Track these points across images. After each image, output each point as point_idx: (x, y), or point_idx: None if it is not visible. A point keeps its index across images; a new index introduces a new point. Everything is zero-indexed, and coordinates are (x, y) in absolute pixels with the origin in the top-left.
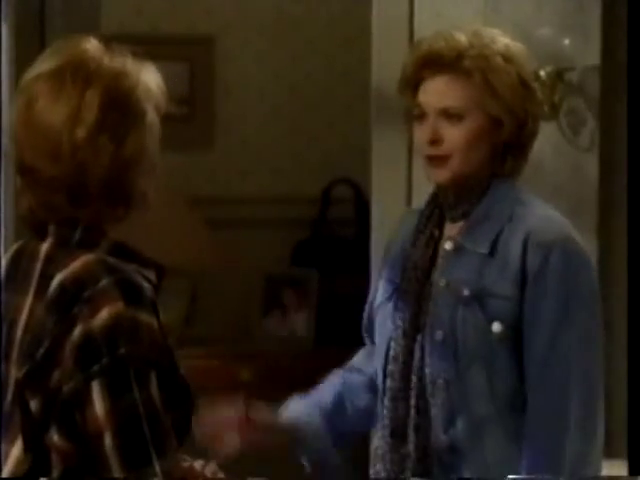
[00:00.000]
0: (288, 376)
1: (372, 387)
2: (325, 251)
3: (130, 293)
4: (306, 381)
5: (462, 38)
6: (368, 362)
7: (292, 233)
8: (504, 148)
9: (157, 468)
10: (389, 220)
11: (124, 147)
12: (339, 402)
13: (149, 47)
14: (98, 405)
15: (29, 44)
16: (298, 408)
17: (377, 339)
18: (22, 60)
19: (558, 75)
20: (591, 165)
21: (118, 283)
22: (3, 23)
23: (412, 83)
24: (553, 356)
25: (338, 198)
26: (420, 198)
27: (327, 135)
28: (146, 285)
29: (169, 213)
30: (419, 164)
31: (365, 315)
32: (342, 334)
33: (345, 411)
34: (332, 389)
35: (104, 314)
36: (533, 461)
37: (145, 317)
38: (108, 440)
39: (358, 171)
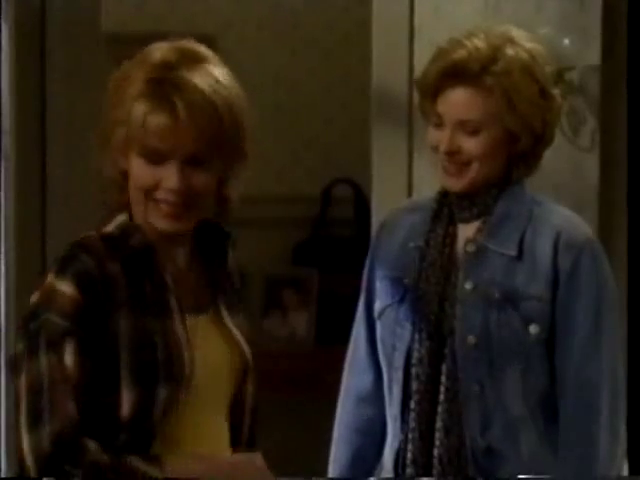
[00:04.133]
0: (288, 375)
1: (384, 414)
2: (325, 251)
3: (59, 266)
4: (306, 380)
5: (485, 48)
6: (375, 385)
7: (292, 233)
8: (520, 156)
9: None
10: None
11: None
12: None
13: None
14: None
15: (29, 44)
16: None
17: (387, 341)
18: (22, 59)
19: (558, 75)
20: (591, 165)
21: (59, 258)
22: (3, 23)
23: (432, 91)
24: (588, 356)
25: (338, 198)
26: (419, 197)
27: (327, 134)
28: (83, 259)
29: None
30: (419, 163)
31: (361, 317)
32: (342, 334)
33: (370, 460)
34: (350, 449)
35: (40, 287)
36: (568, 461)
37: (64, 287)
38: (22, 404)
39: (358, 171)
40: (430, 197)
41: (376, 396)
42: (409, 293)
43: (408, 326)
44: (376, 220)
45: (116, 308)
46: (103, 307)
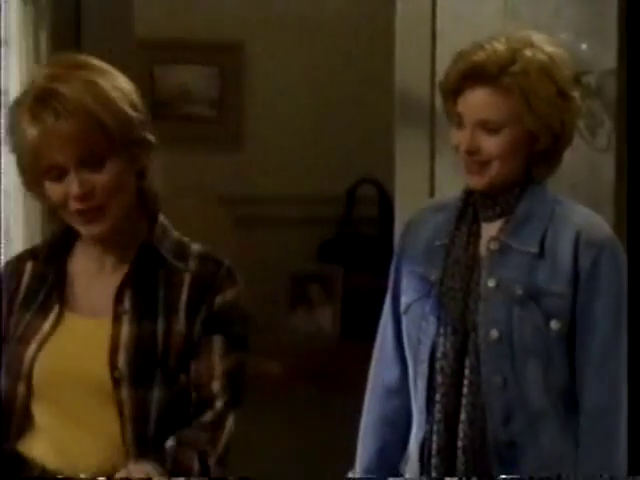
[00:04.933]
0: (314, 369)
1: (409, 407)
2: (350, 249)
3: None
4: (332, 374)
5: (504, 50)
6: (401, 378)
7: (318, 231)
8: (539, 155)
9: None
10: None
11: None
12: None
13: (181, 53)
14: None
15: (66, 50)
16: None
17: (413, 336)
18: None
19: (576, 78)
20: (607, 165)
21: None
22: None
23: (452, 92)
24: (609, 352)
25: (362, 197)
26: (442, 197)
27: (351, 136)
28: (44, 240)
29: (200, 211)
30: (441, 164)
31: (388, 312)
32: (366, 329)
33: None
34: (377, 440)
35: None
36: (588, 456)
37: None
38: None
39: (382, 171)
40: (455, 197)
41: (402, 388)
42: (434, 289)
43: (433, 321)
44: (399, 219)
45: (20, 299)
46: (6, 295)
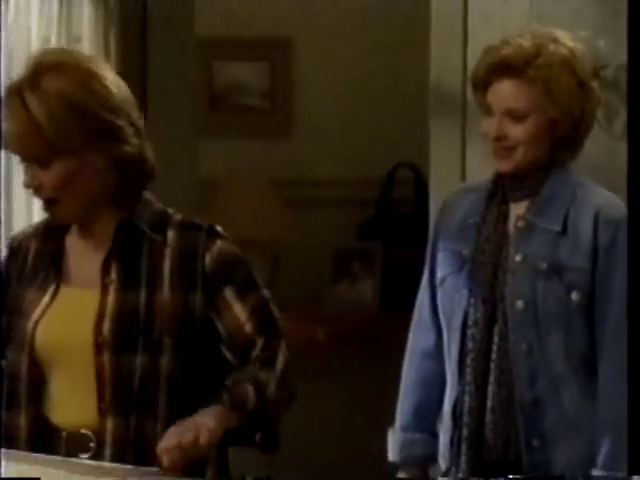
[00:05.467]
0: (356, 336)
1: (444, 370)
2: (388, 227)
3: None
4: (372, 339)
5: (528, 45)
6: (437, 343)
7: (359, 211)
8: (562, 141)
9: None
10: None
11: None
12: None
13: (235, 50)
14: None
15: (133, 48)
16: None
17: (447, 305)
18: (127, 61)
19: (594, 72)
20: (623, 151)
21: None
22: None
23: (482, 84)
24: (624, 322)
25: (400, 180)
26: (472, 180)
27: (391, 125)
28: (17, 235)
29: (254, 194)
30: (472, 150)
31: (425, 284)
32: (403, 299)
33: (432, 410)
34: (415, 400)
35: None
36: (607, 414)
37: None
38: None
39: (418, 156)
40: (485, 180)
41: (437, 353)
42: (467, 264)
43: (465, 292)
44: (433, 200)
45: (24, 277)
46: (18, 273)
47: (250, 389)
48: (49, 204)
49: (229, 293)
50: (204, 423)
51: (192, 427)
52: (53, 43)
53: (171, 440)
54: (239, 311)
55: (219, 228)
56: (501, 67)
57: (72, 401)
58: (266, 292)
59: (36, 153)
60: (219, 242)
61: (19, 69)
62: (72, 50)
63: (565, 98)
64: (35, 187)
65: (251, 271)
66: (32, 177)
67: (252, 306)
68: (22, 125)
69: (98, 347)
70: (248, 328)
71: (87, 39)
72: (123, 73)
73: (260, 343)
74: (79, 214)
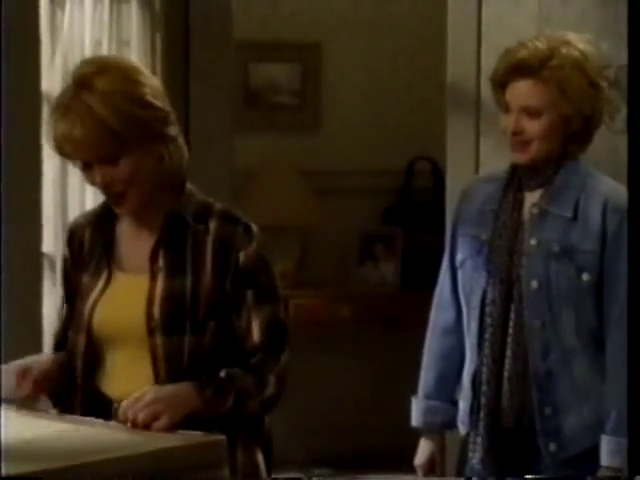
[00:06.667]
0: (379, 312)
1: (463, 344)
2: (409, 213)
3: None
4: (393, 316)
5: (543, 48)
6: (456, 320)
7: (382, 199)
8: (573, 135)
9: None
10: (461, 189)
11: None
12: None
13: (269, 52)
14: None
15: (177, 54)
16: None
17: (466, 285)
18: (171, 63)
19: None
20: (624, 145)
21: None
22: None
23: (501, 83)
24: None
25: (419, 171)
26: (485, 171)
27: (411, 121)
28: (94, 210)
29: (286, 183)
30: (485, 144)
31: (446, 266)
32: (422, 279)
33: (452, 381)
34: (436, 372)
35: None
36: (614, 385)
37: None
38: None
39: (436, 149)
40: (502, 170)
41: (457, 329)
42: (485, 247)
43: (484, 273)
44: (450, 189)
45: (81, 263)
46: (76, 259)
47: (231, 398)
48: (117, 197)
49: (249, 296)
50: (171, 407)
51: (159, 407)
52: (104, 47)
53: (129, 411)
54: (252, 318)
55: (255, 228)
56: (518, 68)
57: (127, 375)
58: (281, 305)
59: (106, 152)
60: (254, 243)
61: (64, 83)
62: (100, 56)
63: (577, 96)
64: (105, 184)
65: (274, 279)
66: (102, 175)
67: (265, 318)
68: (89, 128)
69: (151, 331)
70: (256, 338)
71: (135, 43)
72: (167, 73)
73: (260, 356)
74: (142, 204)
